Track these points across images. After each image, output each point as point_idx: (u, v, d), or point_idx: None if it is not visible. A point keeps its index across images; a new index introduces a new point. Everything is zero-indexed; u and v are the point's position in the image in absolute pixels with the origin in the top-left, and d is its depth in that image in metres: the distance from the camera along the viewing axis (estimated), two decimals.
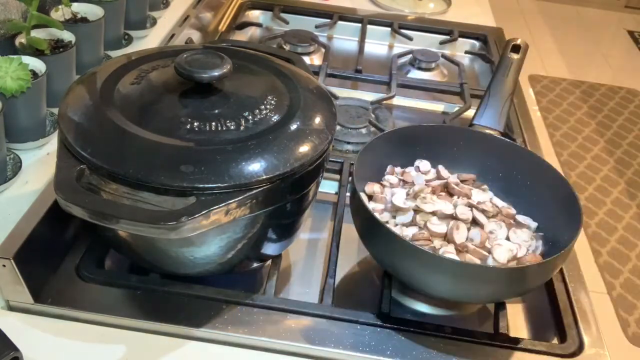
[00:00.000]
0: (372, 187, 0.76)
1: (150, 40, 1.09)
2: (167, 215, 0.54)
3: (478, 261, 0.67)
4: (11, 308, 0.65)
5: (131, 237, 0.63)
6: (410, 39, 1.30)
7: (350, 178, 0.82)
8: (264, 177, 0.58)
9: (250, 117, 0.63)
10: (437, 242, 0.69)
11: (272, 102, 0.66)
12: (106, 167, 0.57)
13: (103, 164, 0.57)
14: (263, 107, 0.65)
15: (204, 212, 0.54)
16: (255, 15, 1.37)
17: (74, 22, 0.94)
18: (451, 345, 0.66)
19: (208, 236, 0.60)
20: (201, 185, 0.56)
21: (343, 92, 1.08)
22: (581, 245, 0.72)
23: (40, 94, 0.80)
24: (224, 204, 0.55)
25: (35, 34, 0.87)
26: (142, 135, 0.59)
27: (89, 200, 0.54)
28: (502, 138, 0.84)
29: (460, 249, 0.68)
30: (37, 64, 0.81)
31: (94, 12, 0.96)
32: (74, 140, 0.59)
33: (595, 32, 3.75)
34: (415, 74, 1.20)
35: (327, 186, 0.88)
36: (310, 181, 0.65)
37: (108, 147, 0.59)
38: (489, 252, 0.68)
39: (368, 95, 1.08)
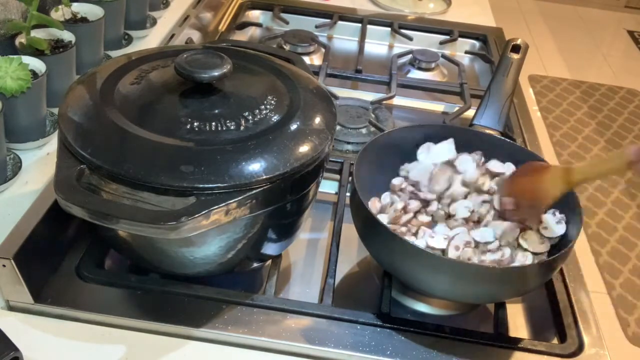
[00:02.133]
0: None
1: (150, 40, 1.09)
2: (167, 215, 0.54)
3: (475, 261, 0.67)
4: (11, 308, 0.65)
5: (131, 237, 0.63)
6: (410, 39, 1.30)
7: (350, 178, 0.82)
8: (264, 177, 0.58)
9: (250, 117, 0.63)
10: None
11: (272, 102, 0.66)
12: (106, 167, 0.57)
13: (103, 164, 0.57)
14: (263, 107, 0.65)
15: (204, 212, 0.54)
16: (255, 15, 1.37)
17: (74, 22, 0.94)
18: (451, 345, 0.66)
19: (208, 236, 0.60)
20: (201, 185, 0.56)
21: (343, 92, 1.08)
22: (581, 245, 0.72)
23: (40, 94, 0.80)
24: (224, 204, 0.55)
25: (35, 34, 0.87)
26: (142, 135, 0.59)
27: (89, 200, 0.54)
28: (502, 138, 0.84)
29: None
30: (37, 64, 0.81)
31: (94, 12, 0.96)
32: (74, 140, 0.59)
33: (595, 32, 3.75)
34: (415, 74, 1.20)
35: (327, 186, 0.88)
36: (310, 181, 0.64)
37: (108, 147, 0.59)
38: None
39: (368, 95, 1.08)
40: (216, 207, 0.55)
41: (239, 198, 0.56)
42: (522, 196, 0.70)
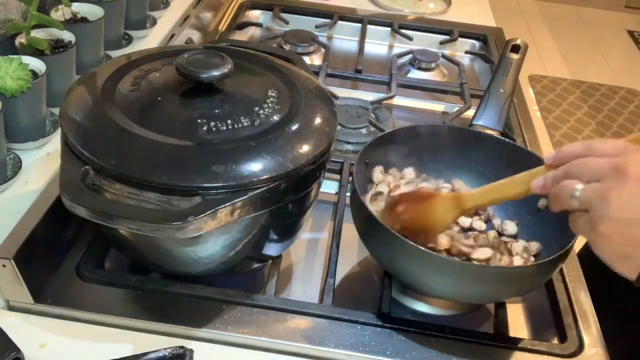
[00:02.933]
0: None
1: (150, 40, 1.09)
2: (174, 215, 0.54)
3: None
4: (11, 308, 0.65)
5: (135, 236, 0.63)
6: (410, 39, 1.30)
7: (350, 178, 0.82)
8: (269, 176, 0.58)
9: (251, 117, 0.63)
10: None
11: (274, 102, 0.66)
12: (111, 167, 0.57)
13: (108, 164, 0.57)
14: (265, 106, 0.65)
15: (210, 211, 0.54)
16: (255, 15, 1.37)
17: (74, 22, 0.94)
18: (451, 345, 0.66)
19: (212, 235, 0.60)
20: (207, 185, 0.56)
21: (343, 92, 1.08)
22: (581, 245, 0.72)
23: (40, 94, 0.80)
24: (229, 203, 0.56)
25: (35, 34, 0.87)
26: (146, 135, 0.59)
27: (95, 201, 0.55)
28: (502, 138, 0.84)
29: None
30: (37, 64, 0.81)
31: (94, 12, 0.96)
32: (77, 141, 0.59)
33: (595, 32, 3.75)
34: (415, 74, 1.20)
35: (327, 186, 0.88)
36: (313, 180, 0.65)
37: (112, 148, 0.59)
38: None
39: (368, 95, 1.08)
40: (222, 206, 0.55)
41: (245, 197, 0.57)
42: (411, 223, 0.69)
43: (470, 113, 1.01)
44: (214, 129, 0.61)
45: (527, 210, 0.77)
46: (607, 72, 3.31)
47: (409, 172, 0.80)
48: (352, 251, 0.79)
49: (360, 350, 0.64)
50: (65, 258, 0.70)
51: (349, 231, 0.75)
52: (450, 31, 1.33)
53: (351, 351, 0.64)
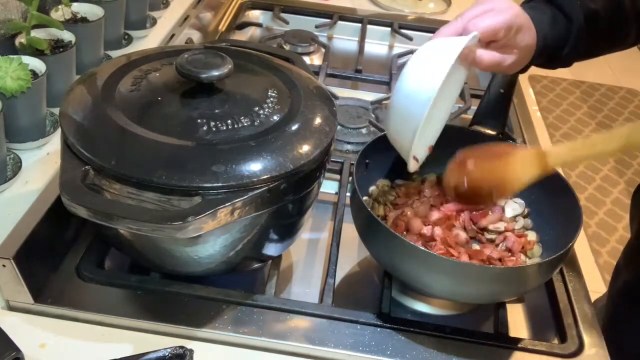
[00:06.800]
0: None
1: (150, 40, 1.09)
2: (174, 215, 0.54)
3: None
4: (11, 308, 0.65)
5: (135, 236, 0.63)
6: (410, 39, 1.30)
7: (350, 178, 0.82)
8: (269, 176, 0.58)
9: (251, 117, 0.63)
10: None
11: (274, 102, 0.66)
12: (111, 167, 0.57)
13: (107, 164, 0.57)
14: (265, 106, 0.65)
15: (209, 211, 0.54)
16: (255, 15, 1.37)
17: (74, 22, 0.94)
18: (451, 345, 0.66)
19: (212, 235, 0.60)
20: (207, 185, 0.56)
21: (343, 92, 1.08)
22: (581, 245, 0.72)
23: (40, 94, 0.80)
24: (229, 203, 0.56)
25: (35, 34, 0.87)
26: (145, 135, 0.59)
27: (95, 201, 0.55)
28: (502, 138, 0.84)
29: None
30: (37, 64, 0.81)
31: (94, 12, 0.96)
32: (78, 141, 0.59)
33: None
34: None
35: (327, 186, 0.88)
36: (313, 180, 0.65)
37: (112, 147, 0.59)
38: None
39: (368, 95, 1.08)
40: (222, 206, 0.55)
41: (245, 197, 0.57)
42: (480, 180, 0.63)
43: (470, 113, 1.01)
44: (214, 129, 0.61)
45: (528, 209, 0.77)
46: (607, 72, 3.31)
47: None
48: (352, 251, 0.79)
49: (360, 350, 0.64)
50: (65, 258, 0.70)
51: (349, 231, 0.75)
52: None
53: (351, 351, 0.64)
